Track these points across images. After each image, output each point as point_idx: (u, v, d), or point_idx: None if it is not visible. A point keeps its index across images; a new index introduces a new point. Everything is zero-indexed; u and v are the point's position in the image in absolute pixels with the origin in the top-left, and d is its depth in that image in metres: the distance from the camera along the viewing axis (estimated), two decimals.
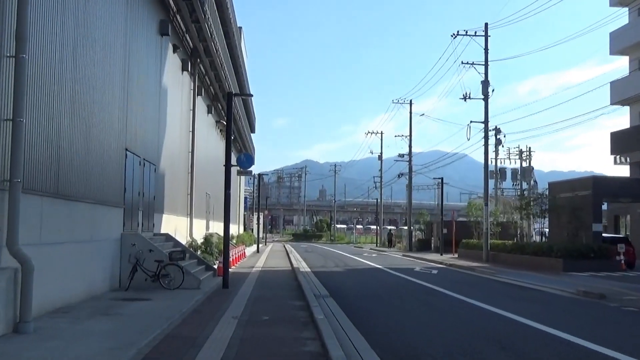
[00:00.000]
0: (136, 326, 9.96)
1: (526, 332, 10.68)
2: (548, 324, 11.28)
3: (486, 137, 33.69)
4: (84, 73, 13.07)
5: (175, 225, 24.51)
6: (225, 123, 40.68)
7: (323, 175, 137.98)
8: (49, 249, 11.20)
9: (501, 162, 53.09)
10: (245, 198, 77.42)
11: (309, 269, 26.00)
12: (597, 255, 25.49)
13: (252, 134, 64.13)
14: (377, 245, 64.78)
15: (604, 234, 28.85)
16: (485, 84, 33.28)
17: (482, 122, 33.97)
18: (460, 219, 46.07)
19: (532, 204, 31.40)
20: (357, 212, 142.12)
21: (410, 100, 52.85)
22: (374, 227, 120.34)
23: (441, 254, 40.56)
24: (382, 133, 68.98)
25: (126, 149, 16.58)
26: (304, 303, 13.60)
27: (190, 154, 28.01)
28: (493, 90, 33.36)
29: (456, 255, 38.98)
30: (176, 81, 24.54)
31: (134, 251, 15.68)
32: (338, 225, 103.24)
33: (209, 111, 35.02)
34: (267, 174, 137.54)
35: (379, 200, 69.38)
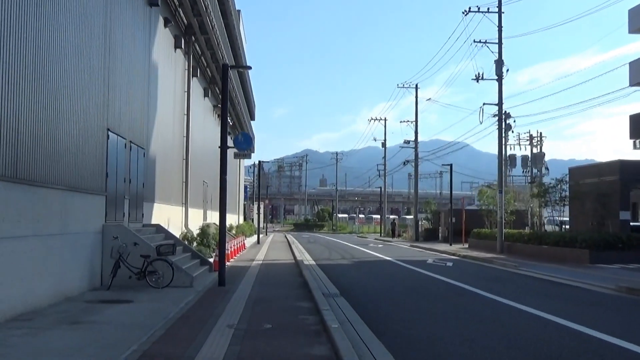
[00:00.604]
0: (107, 340, 8.01)
1: (598, 347, 8.64)
2: (619, 335, 9.24)
3: (500, 120, 31.69)
4: (51, 37, 11.05)
5: (169, 216, 22.57)
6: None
7: (324, 163, 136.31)
8: (3, 244, 9.24)
9: (511, 149, 51.02)
10: (245, 187, 75.43)
11: (313, 262, 24.06)
12: (626, 246, 23.48)
13: (252, 122, 62.12)
14: (381, 235, 62.88)
15: (631, 223, 26.81)
16: (499, 63, 31.23)
17: (495, 105, 31.96)
18: (466, 207, 44.05)
19: (550, 190, 29.36)
20: (359, 202, 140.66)
21: (416, 85, 50.87)
22: (376, 216, 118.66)
23: (450, 244, 38.66)
24: (385, 120, 66.88)
25: (108, 129, 14.58)
26: (312, 305, 11.65)
27: (185, 138, 26.04)
28: (507, 70, 31.35)
29: (466, 246, 37.08)
30: (168, 59, 22.52)
31: (116, 245, 13.69)
32: (340, 215, 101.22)
33: (206, 94, 33.01)
34: (268, 162, 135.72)
35: (382, 188, 67.32)
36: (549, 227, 45.80)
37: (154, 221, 19.52)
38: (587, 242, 23.55)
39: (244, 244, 32.61)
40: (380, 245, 40.16)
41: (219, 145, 15.00)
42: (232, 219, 49.22)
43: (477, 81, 32.27)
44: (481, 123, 32.17)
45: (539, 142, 48.71)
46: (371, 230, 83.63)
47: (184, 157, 26.00)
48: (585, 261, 23.08)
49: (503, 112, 47.47)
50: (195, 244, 24.71)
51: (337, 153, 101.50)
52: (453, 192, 51.53)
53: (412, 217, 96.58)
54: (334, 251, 32.74)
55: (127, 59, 16.32)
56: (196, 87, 29.50)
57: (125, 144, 16.19)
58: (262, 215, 60.44)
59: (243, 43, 48.76)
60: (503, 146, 50.74)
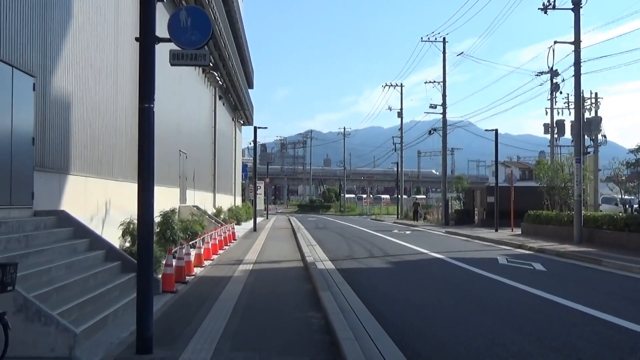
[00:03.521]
0: None
1: None
2: None
3: (577, 64, 23.38)
4: None
5: (108, 196, 14.53)
6: (212, 67, 30.56)
7: (327, 141, 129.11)
8: None
9: (558, 113, 42.62)
10: (245, 166, 66.98)
11: (331, 264, 16.04)
12: None
13: (249, 90, 53.87)
14: (398, 218, 54.74)
15: None
16: None
17: (570, 43, 23.68)
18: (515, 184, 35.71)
19: None
20: (366, 181, 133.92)
21: (444, 38, 42.48)
22: (385, 196, 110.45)
23: (496, 230, 30.61)
24: (402, 85, 58.71)
25: None
26: None
27: None
28: None
29: (518, 232, 28.95)
30: None
31: None
32: (347, 195, 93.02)
33: None
34: (271, 143, 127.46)
35: (398, 164, 59.07)
36: (605, 207, 37.73)
37: (65, 206, 11.44)
38: None
39: (233, 233, 24.60)
40: (408, 232, 32.01)
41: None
42: (226, 201, 41.21)
43: (545, 12, 23.92)
44: (551, 69, 23.98)
45: (593, 105, 40.30)
46: (383, 211, 75.66)
47: None
48: None
49: (550, 68, 39.27)
50: (156, 238, 16.74)
51: (344, 128, 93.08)
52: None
53: (423, 196, 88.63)
54: (354, 242, 24.61)
55: None
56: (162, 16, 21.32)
57: None
58: (262, 196, 52.53)
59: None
60: (550, 110, 42.58)
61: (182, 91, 25.02)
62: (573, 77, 23.35)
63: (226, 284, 11.79)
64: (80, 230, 10.54)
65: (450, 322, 8.69)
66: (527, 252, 20.14)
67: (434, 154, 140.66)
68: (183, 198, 25.67)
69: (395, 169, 63.57)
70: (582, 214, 23.13)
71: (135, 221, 13.78)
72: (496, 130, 31.55)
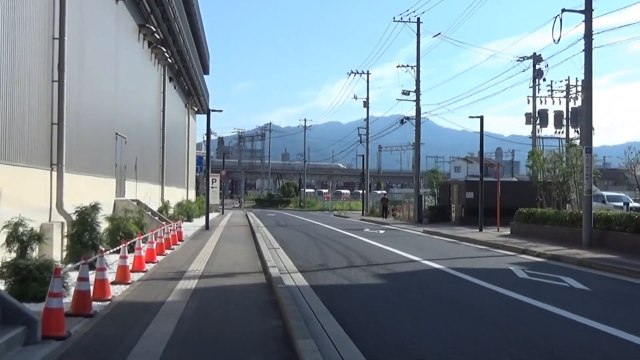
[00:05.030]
0: None
1: None
2: None
3: (588, 37, 19.89)
4: None
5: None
6: (153, 29, 26.29)
7: (285, 133, 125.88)
8: None
9: (541, 102, 39.47)
10: (200, 158, 62.47)
11: (302, 278, 12.16)
12: None
13: (204, 76, 49.73)
14: (364, 214, 51.14)
15: None
16: None
17: (579, 12, 20.19)
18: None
19: None
20: (326, 175, 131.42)
21: (418, 19, 38.90)
22: (345, 191, 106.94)
23: (481, 229, 27.13)
24: (368, 73, 55.13)
25: None
26: None
27: (57, 40, 13.86)
28: None
29: (507, 232, 25.53)
30: None
31: None
32: (306, 190, 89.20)
33: None
34: (229, 137, 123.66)
35: (365, 157, 55.36)
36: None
37: None
38: None
39: (179, 232, 20.52)
40: (381, 232, 28.27)
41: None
42: (177, 195, 36.96)
43: None
44: (556, 42, 20.35)
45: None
46: (346, 207, 72.06)
47: (55, 79, 13.80)
48: None
49: (533, 54, 36.30)
50: (66, 243, 12.65)
51: (305, 120, 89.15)
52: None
53: (382, 191, 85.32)
54: (324, 244, 20.73)
55: None
56: None
57: None
58: (217, 190, 48.69)
59: None
60: (532, 98, 39.48)
61: (120, 62, 20.81)
62: (583, 52, 19.89)
63: (152, 319, 7.78)
64: None
65: None
66: (537, 259, 16.52)
67: (395, 149, 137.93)
68: (121, 191, 21.51)
69: (355, 163, 60.10)
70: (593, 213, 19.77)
71: (30, 222, 9.62)
72: (481, 117, 28.07)
